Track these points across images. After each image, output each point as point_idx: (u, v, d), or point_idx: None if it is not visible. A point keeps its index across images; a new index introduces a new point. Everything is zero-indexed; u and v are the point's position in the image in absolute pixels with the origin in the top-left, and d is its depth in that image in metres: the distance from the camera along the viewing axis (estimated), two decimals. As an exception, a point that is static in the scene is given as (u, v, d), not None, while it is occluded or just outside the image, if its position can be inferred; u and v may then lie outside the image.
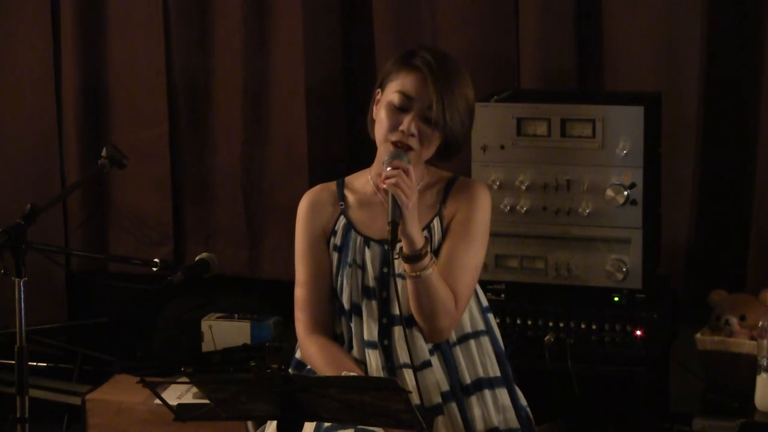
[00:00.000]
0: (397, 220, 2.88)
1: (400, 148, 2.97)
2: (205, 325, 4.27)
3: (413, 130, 2.96)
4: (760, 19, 4.00)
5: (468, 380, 3.04)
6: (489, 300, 3.17)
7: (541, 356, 3.74)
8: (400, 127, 2.97)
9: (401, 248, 2.92)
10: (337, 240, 3.08)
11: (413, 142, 2.97)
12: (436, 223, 3.05)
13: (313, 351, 3.05)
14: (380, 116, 3.01)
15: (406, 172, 2.90)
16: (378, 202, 3.08)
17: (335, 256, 3.08)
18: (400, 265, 2.97)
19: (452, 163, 3.14)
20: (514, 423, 3.06)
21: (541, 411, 3.28)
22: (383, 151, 3.01)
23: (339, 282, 3.07)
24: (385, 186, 2.90)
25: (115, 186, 4.74)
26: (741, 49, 4.05)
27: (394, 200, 2.88)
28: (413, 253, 2.92)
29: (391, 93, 3.00)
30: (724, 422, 3.57)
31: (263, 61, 4.51)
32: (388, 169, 2.92)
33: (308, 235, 3.10)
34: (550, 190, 3.77)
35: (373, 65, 4.33)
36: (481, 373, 3.06)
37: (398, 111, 2.98)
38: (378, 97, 3.06)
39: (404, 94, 2.98)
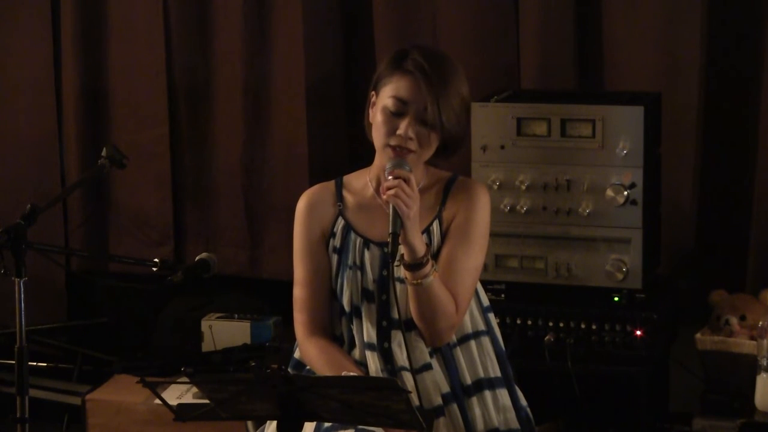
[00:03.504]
0: (398, 232, 2.87)
1: (400, 152, 2.97)
2: (205, 325, 4.27)
3: (411, 134, 2.96)
4: (760, 19, 4.00)
5: (468, 381, 3.04)
6: (489, 300, 3.17)
7: (541, 356, 3.74)
8: (398, 132, 2.96)
9: (402, 256, 2.92)
10: (337, 242, 3.08)
11: (412, 145, 2.97)
12: (435, 226, 3.04)
13: (313, 353, 3.05)
14: (377, 121, 3.00)
15: (407, 180, 2.90)
16: (377, 205, 3.07)
17: (335, 257, 3.08)
18: (400, 270, 2.97)
19: (453, 162, 3.14)
20: (514, 423, 3.06)
21: (541, 411, 3.28)
22: (383, 157, 3.00)
23: (339, 284, 3.06)
24: (386, 197, 2.90)
25: (115, 186, 4.74)
26: (741, 49, 4.05)
27: (395, 211, 2.88)
28: (414, 261, 2.92)
29: (385, 98, 2.99)
30: (724, 422, 3.57)
31: (263, 61, 4.51)
32: (389, 178, 2.91)
33: (307, 236, 3.10)
34: (550, 190, 3.77)
35: (373, 65, 4.31)
36: (482, 374, 3.05)
37: (394, 116, 2.97)
38: (373, 99, 3.05)
39: (399, 99, 2.97)
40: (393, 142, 2.97)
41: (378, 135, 3.00)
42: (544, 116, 3.75)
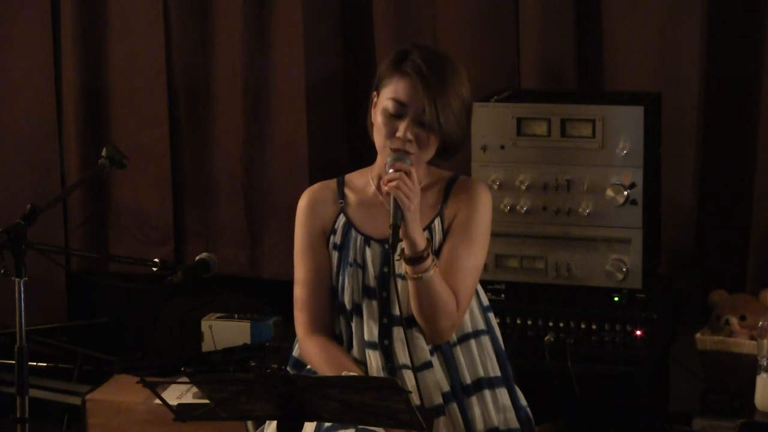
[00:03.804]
0: (398, 223, 2.88)
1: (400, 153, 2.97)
2: (205, 325, 4.27)
3: (410, 136, 2.96)
4: (760, 19, 4.00)
5: (468, 380, 3.04)
6: (489, 300, 3.17)
7: (541, 356, 3.74)
8: (397, 134, 2.97)
9: (403, 250, 2.92)
10: (337, 239, 3.08)
11: (411, 147, 2.97)
12: (437, 223, 3.05)
13: (313, 351, 3.05)
14: (377, 123, 3.01)
15: (408, 174, 2.90)
16: (379, 202, 3.07)
17: (335, 255, 3.08)
18: (401, 266, 2.97)
19: (452, 162, 3.14)
20: (514, 423, 3.06)
21: (541, 411, 3.28)
22: (384, 157, 3.01)
23: (340, 281, 3.07)
24: (387, 189, 2.90)
25: (115, 186, 4.74)
26: (741, 49, 4.05)
27: (396, 203, 2.88)
28: (415, 255, 2.92)
29: (385, 99, 2.99)
30: (724, 422, 3.57)
31: (263, 61, 4.51)
32: (390, 171, 2.92)
33: (308, 234, 3.10)
34: (550, 190, 3.77)
35: (373, 65, 4.33)
36: (482, 373, 3.06)
37: (393, 118, 2.98)
38: (375, 100, 3.05)
39: (397, 101, 2.97)
40: (392, 144, 2.97)
41: (378, 136, 3.01)
42: (544, 116, 3.75)
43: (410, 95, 2.96)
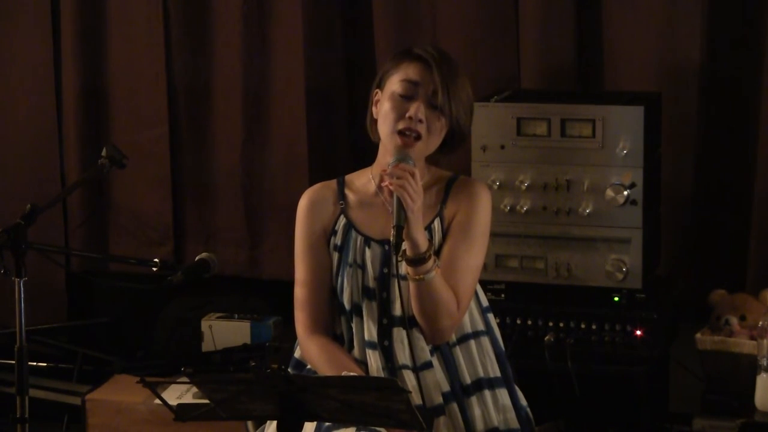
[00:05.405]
0: (402, 224, 2.87)
1: (408, 137, 2.97)
2: (205, 325, 4.27)
3: (421, 115, 2.96)
4: (760, 20, 4.00)
5: (468, 380, 3.04)
6: (489, 300, 3.17)
7: (541, 356, 3.74)
8: (408, 114, 2.97)
9: (404, 251, 2.92)
10: (338, 240, 3.08)
11: (422, 129, 2.97)
12: (437, 223, 3.05)
13: (313, 351, 3.05)
14: (384, 109, 3.00)
15: (413, 175, 2.90)
16: (379, 202, 3.07)
17: (335, 255, 3.08)
18: (402, 267, 2.97)
19: (452, 162, 3.14)
20: (514, 423, 3.07)
21: (541, 411, 3.28)
22: (390, 145, 3.00)
23: (339, 282, 3.07)
24: (391, 186, 2.89)
25: (115, 186, 4.74)
26: (741, 49, 4.05)
27: (399, 203, 2.88)
28: (417, 256, 2.92)
29: (394, 84, 3.00)
30: (724, 422, 3.57)
31: (263, 61, 4.51)
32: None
33: (308, 235, 3.10)
34: (550, 190, 3.77)
35: (373, 65, 4.33)
36: (481, 374, 3.06)
37: (404, 99, 2.98)
38: (377, 97, 3.05)
39: (409, 81, 2.98)
40: (402, 125, 2.97)
41: (385, 122, 3.00)
42: (544, 116, 3.75)
43: (422, 75, 2.97)
